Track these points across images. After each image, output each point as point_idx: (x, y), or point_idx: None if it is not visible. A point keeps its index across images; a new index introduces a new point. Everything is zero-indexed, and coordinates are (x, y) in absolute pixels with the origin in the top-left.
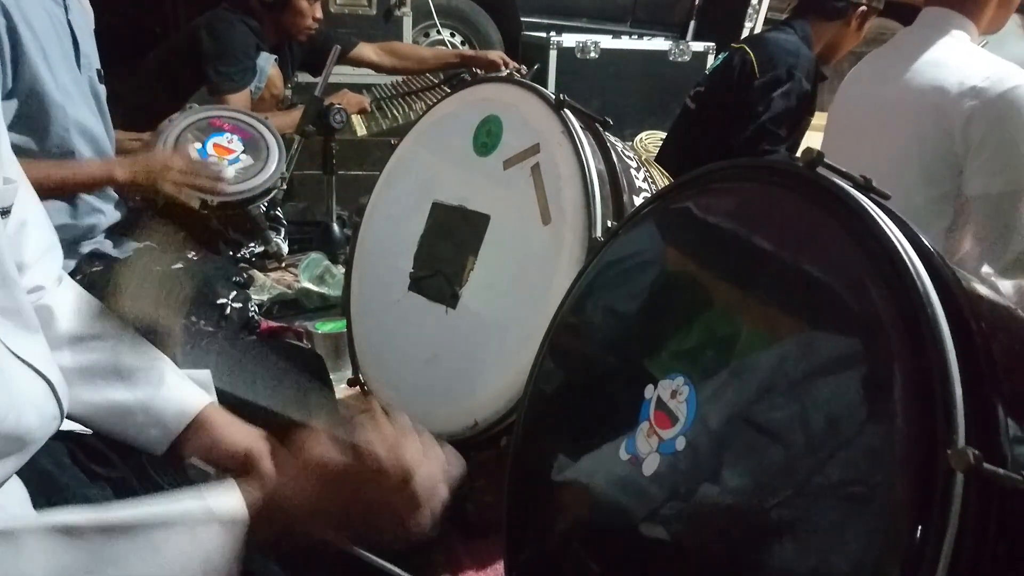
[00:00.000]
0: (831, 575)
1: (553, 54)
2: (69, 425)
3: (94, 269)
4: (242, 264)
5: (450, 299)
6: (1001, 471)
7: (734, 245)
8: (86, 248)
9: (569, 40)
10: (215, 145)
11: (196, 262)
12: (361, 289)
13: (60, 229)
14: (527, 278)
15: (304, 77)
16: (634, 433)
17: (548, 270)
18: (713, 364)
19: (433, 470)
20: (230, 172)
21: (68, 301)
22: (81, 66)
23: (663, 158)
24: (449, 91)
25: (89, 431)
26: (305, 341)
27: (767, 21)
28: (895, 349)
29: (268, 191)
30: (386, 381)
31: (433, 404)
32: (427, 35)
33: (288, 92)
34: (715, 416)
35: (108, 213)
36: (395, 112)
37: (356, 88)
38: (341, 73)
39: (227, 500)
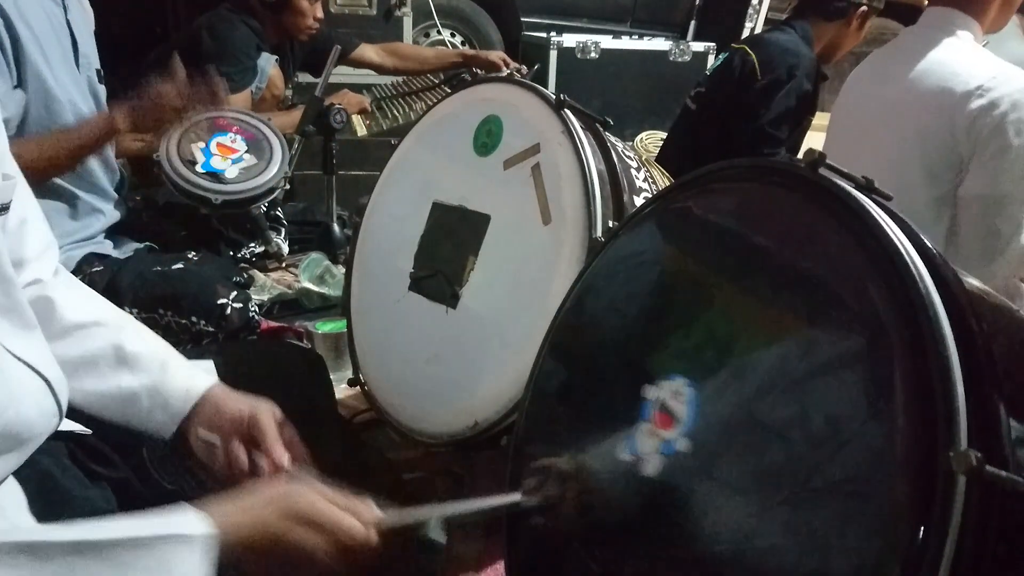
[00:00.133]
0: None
1: (553, 54)
2: (69, 425)
3: (94, 269)
4: (242, 264)
5: (450, 299)
6: (1003, 473)
7: (735, 245)
8: (86, 248)
9: (569, 40)
10: (219, 144)
11: (196, 262)
12: (361, 289)
13: (60, 229)
14: (527, 278)
15: (305, 77)
16: (635, 433)
17: (548, 270)
18: (714, 364)
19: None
20: (233, 171)
21: (68, 291)
22: (80, 66)
23: (663, 158)
24: (449, 91)
25: (89, 431)
26: (305, 341)
27: (767, 21)
28: (896, 350)
29: (272, 190)
30: (386, 381)
31: (433, 404)
32: (427, 35)
33: (289, 92)
34: (716, 417)
35: (108, 213)
36: (395, 112)
37: (356, 88)
38: (341, 73)
39: (193, 519)
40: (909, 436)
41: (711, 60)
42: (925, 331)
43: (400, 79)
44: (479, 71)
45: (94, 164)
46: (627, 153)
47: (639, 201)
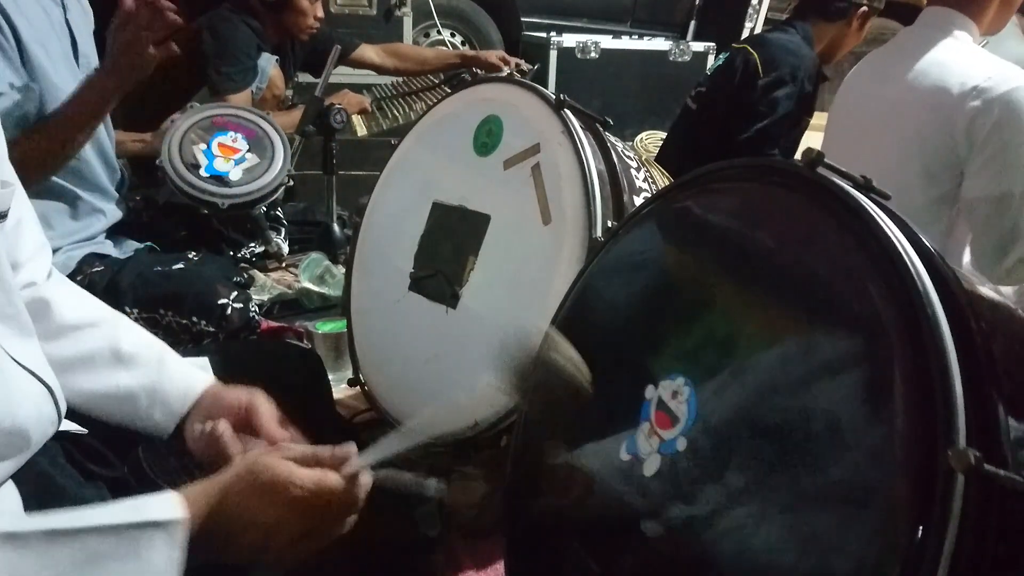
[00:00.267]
0: (832, 575)
1: (553, 54)
2: (65, 425)
3: (94, 269)
4: (242, 264)
5: (450, 299)
6: (1002, 472)
7: (734, 245)
8: (86, 248)
9: (569, 40)
10: (220, 144)
11: (196, 262)
12: (361, 289)
13: (61, 229)
14: (527, 278)
15: (305, 77)
16: (635, 433)
17: (548, 270)
18: (713, 364)
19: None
20: (237, 173)
21: (63, 292)
22: (80, 65)
23: (663, 158)
24: (449, 91)
25: (85, 431)
26: (305, 341)
27: (767, 21)
28: (895, 349)
29: (277, 188)
30: (386, 381)
31: (433, 404)
32: (427, 35)
33: (289, 92)
34: (716, 416)
35: (108, 213)
36: (395, 112)
37: (356, 88)
38: (341, 73)
39: (164, 504)
40: (908, 435)
41: (711, 60)
42: (924, 330)
43: (400, 79)
44: (479, 71)
45: (95, 163)
46: (627, 153)
47: (639, 201)
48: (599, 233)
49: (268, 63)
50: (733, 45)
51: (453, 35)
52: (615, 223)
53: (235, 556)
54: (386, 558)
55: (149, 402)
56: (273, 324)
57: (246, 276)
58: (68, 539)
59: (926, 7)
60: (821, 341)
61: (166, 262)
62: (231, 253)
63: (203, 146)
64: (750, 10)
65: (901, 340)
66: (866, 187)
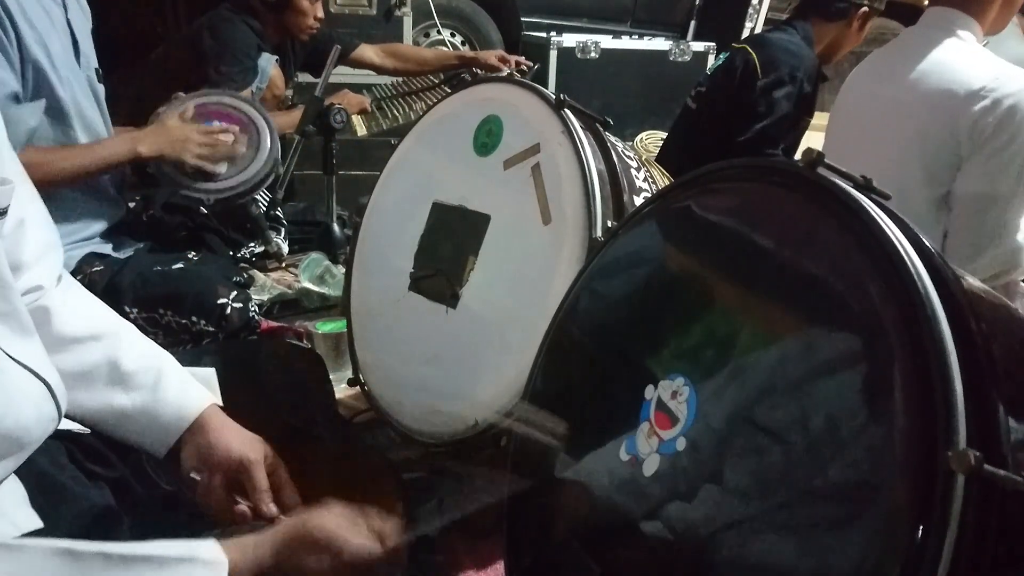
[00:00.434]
0: (831, 575)
1: (553, 54)
2: (67, 424)
3: (94, 269)
4: (242, 264)
5: (450, 299)
6: (1002, 472)
7: (734, 245)
8: (86, 248)
9: (569, 40)
10: None
11: (196, 262)
12: (361, 289)
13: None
14: (527, 278)
15: (304, 77)
16: (634, 433)
17: (548, 270)
18: (713, 364)
19: None
20: (223, 166)
21: (67, 302)
22: (80, 65)
23: (663, 158)
24: (449, 91)
25: (87, 430)
26: (305, 341)
27: (767, 21)
28: (895, 349)
29: (265, 178)
30: (386, 381)
31: (433, 404)
32: (427, 35)
33: (289, 92)
34: (715, 416)
35: (108, 213)
36: (395, 112)
37: (356, 88)
38: (341, 73)
39: (210, 546)
40: (908, 435)
41: (711, 60)
42: (924, 331)
43: (400, 79)
44: (479, 71)
45: None
46: (627, 153)
47: (639, 201)
48: (599, 233)
49: (268, 63)
50: (733, 45)
51: (453, 35)
52: (615, 223)
53: None
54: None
55: (143, 423)
56: (273, 324)
57: (246, 276)
58: (122, 564)
59: (928, 7)
60: (821, 341)
61: (166, 262)
62: (231, 253)
63: None
64: (750, 10)
65: (901, 340)
66: (866, 187)
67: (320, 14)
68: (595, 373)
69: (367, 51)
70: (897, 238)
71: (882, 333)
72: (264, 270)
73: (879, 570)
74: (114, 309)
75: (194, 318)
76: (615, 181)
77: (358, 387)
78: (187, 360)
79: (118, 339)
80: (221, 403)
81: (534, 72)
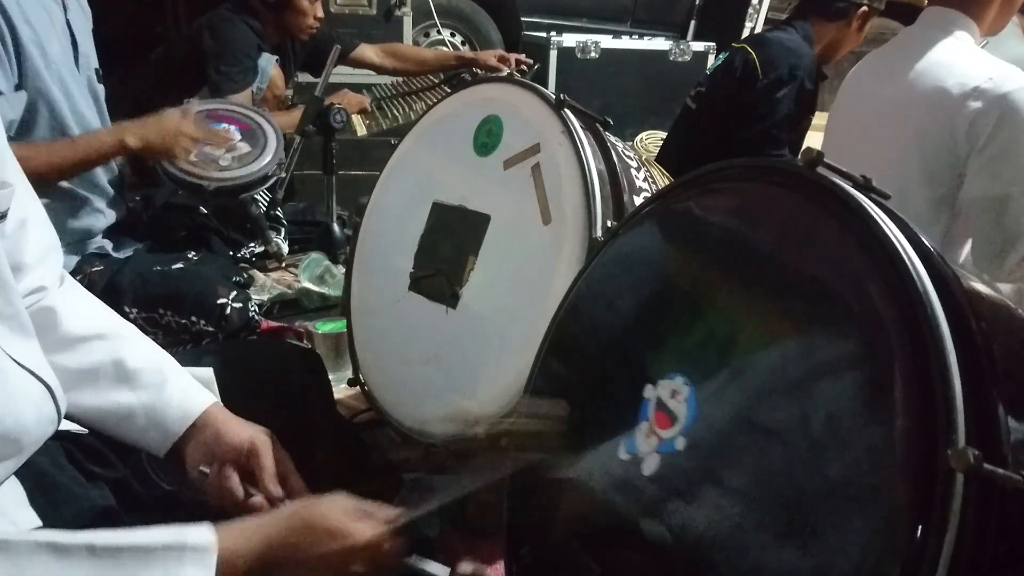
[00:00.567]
0: (831, 575)
1: (553, 54)
2: (66, 425)
3: (94, 269)
4: (242, 264)
5: (450, 299)
6: (1001, 471)
7: (734, 245)
8: (86, 248)
9: (569, 40)
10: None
11: (196, 262)
12: (361, 289)
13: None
14: (527, 278)
15: (304, 77)
16: (634, 433)
17: (548, 270)
18: (713, 364)
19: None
20: (226, 159)
21: (71, 302)
22: (80, 66)
23: (663, 158)
24: (449, 91)
25: (86, 431)
26: (305, 341)
27: (767, 21)
28: (895, 349)
29: (266, 178)
30: (386, 381)
31: (433, 404)
32: (427, 35)
33: (289, 92)
34: (715, 416)
35: (108, 213)
36: (395, 112)
37: (356, 88)
38: (341, 73)
39: (200, 531)
40: (908, 434)
41: (711, 60)
42: (924, 330)
43: (400, 79)
44: (479, 71)
45: None
46: (627, 153)
47: (639, 201)
48: (599, 233)
49: (269, 63)
50: (733, 45)
51: (453, 35)
52: (615, 223)
53: None
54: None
55: (146, 422)
56: (273, 324)
57: (246, 276)
58: (109, 555)
59: (927, 7)
60: (821, 341)
61: (165, 262)
62: (231, 253)
63: None
64: (750, 10)
65: (901, 340)
66: (866, 187)
67: (320, 14)
68: (595, 373)
69: (367, 51)
70: (897, 238)
71: (882, 333)
72: (264, 270)
73: (879, 569)
74: (114, 309)
75: (194, 318)
76: (615, 181)
77: (358, 387)
78: (187, 360)
79: (122, 339)
80: (221, 403)
81: (534, 72)
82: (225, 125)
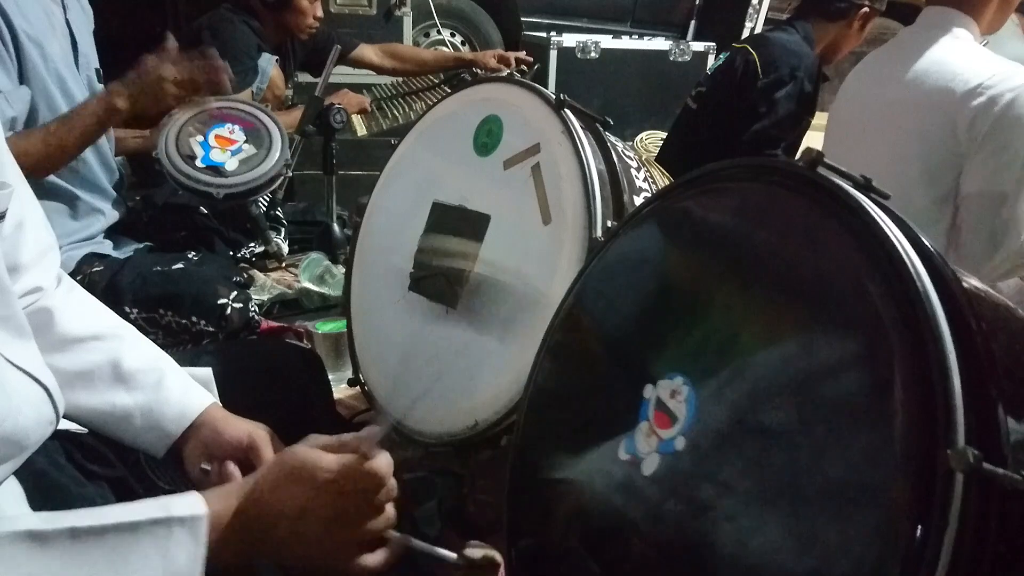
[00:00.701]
0: (831, 575)
1: (553, 54)
2: (65, 424)
3: (94, 269)
4: (242, 264)
5: (450, 299)
6: (1001, 471)
7: (734, 245)
8: (86, 248)
9: (569, 40)
10: (216, 136)
11: (196, 262)
12: (361, 289)
13: (60, 229)
14: (527, 278)
15: (304, 77)
16: (634, 433)
17: (548, 270)
18: (713, 364)
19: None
20: (233, 163)
21: (68, 303)
22: (79, 65)
23: (663, 158)
24: (449, 91)
25: (85, 430)
26: (305, 341)
27: (767, 21)
28: (895, 349)
29: (273, 179)
30: (386, 381)
31: (433, 404)
32: (427, 35)
33: (289, 92)
34: (715, 416)
35: (108, 213)
36: (395, 112)
37: (356, 88)
38: (341, 73)
39: (186, 500)
40: (907, 434)
41: (711, 60)
42: (924, 330)
43: (400, 79)
44: (479, 71)
45: (93, 163)
46: (627, 153)
47: (639, 201)
48: (599, 233)
49: (269, 63)
50: (733, 45)
51: (453, 35)
52: (615, 223)
53: (270, 552)
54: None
55: (143, 423)
56: (273, 324)
57: (246, 276)
58: (92, 537)
59: (926, 6)
60: (821, 341)
61: (165, 262)
62: (231, 253)
63: (200, 138)
64: (750, 10)
65: (901, 340)
66: (866, 187)
67: (319, 13)
68: (595, 373)
69: (367, 51)
70: (897, 238)
71: (881, 332)
72: (264, 270)
73: (879, 570)
74: (114, 309)
75: (194, 318)
76: (615, 181)
77: (358, 387)
78: (187, 360)
79: (120, 340)
80: (219, 403)
81: (534, 72)
82: (229, 125)
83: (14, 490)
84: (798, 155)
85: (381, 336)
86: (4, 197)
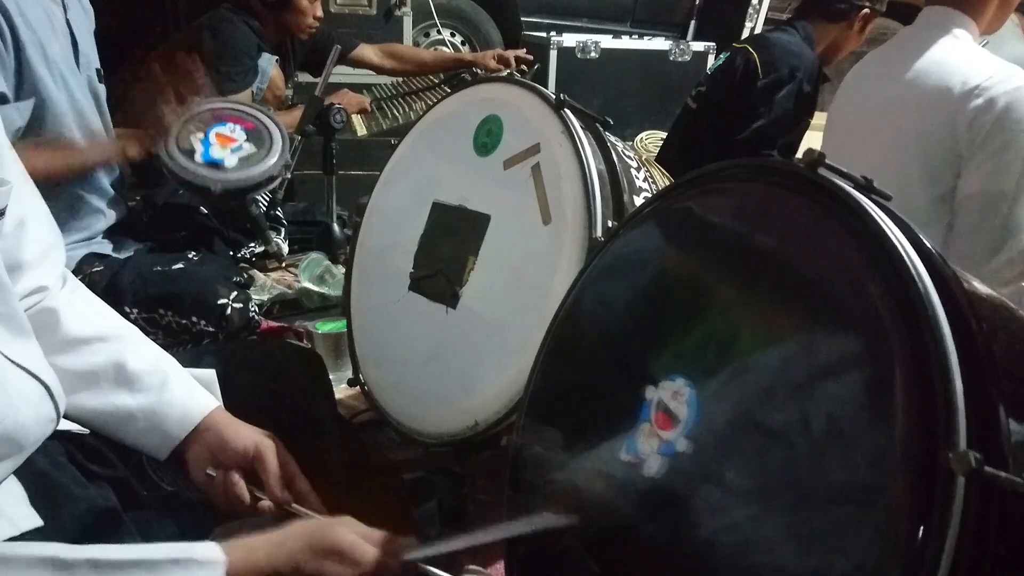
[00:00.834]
0: None
1: (553, 54)
2: (66, 425)
3: (94, 269)
4: (242, 264)
5: (450, 299)
6: (1002, 474)
7: (735, 245)
8: (86, 248)
9: (569, 40)
10: (217, 135)
11: (196, 262)
12: (361, 289)
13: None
14: (527, 278)
15: (304, 77)
16: (635, 434)
17: (548, 270)
18: (714, 365)
19: None
20: (233, 160)
21: (72, 303)
22: (80, 66)
23: (663, 158)
24: (449, 91)
25: (86, 431)
26: (305, 341)
27: (767, 21)
28: (896, 350)
29: (272, 178)
30: (386, 381)
31: (433, 404)
32: (427, 35)
33: (289, 92)
34: (716, 417)
35: (108, 213)
36: (395, 112)
37: (356, 88)
38: (341, 73)
39: (210, 548)
40: (908, 436)
41: (711, 60)
42: (924, 331)
43: (399, 79)
44: (479, 71)
45: None
46: (627, 153)
47: (639, 201)
48: (599, 233)
49: (269, 63)
50: (733, 45)
51: (453, 35)
52: (615, 223)
53: None
54: None
55: (145, 425)
56: (273, 324)
57: (246, 276)
58: (113, 570)
59: (925, 6)
60: (821, 341)
61: (166, 262)
62: (231, 253)
63: (200, 135)
64: (750, 10)
65: (901, 340)
66: (867, 188)
67: (319, 13)
68: (595, 373)
69: (366, 51)
70: (897, 238)
71: (882, 333)
72: (264, 270)
73: (880, 571)
74: (114, 309)
75: (194, 318)
76: (615, 181)
77: (358, 387)
78: (187, 360)
79: (124, 341)
80: (222, 404)
81: (534, 72)
82: (231, 125)
83: (15, 490)
84: (799, 155)
85: (381, 336)
86: (3, 194)
